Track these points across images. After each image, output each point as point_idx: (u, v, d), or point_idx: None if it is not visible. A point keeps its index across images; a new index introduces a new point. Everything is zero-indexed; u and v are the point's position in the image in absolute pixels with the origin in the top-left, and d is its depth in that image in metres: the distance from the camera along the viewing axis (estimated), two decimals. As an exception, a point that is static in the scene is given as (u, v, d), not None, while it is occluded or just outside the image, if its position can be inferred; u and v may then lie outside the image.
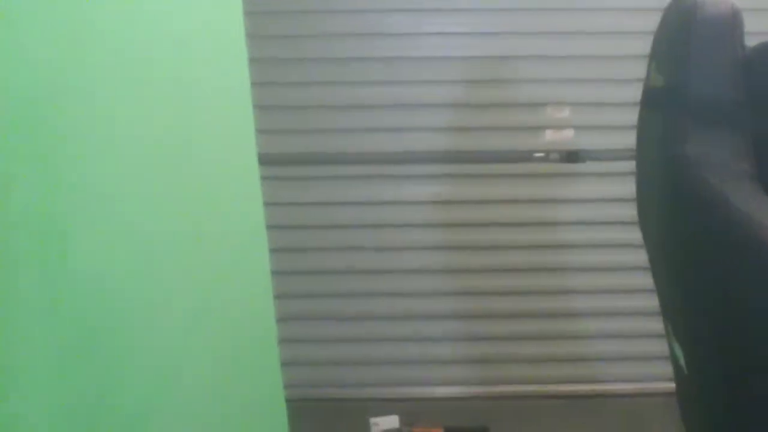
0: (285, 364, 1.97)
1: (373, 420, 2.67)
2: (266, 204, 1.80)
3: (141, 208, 1.08)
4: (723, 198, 0.98)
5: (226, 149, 1.52)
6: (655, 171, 1.23)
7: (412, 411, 2.75)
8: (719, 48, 1.08)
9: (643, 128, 1.42)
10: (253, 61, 1.70)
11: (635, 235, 1.57)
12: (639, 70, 1.58)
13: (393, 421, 2.68)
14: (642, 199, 1.49)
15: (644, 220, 1.46)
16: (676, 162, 1.06)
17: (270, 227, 1.82)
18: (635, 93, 1.56)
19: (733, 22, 1.08)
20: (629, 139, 1.61)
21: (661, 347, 1.40)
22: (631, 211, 1.64)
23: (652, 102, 1.29)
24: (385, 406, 2.76)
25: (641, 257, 1.51)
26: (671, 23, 1.18)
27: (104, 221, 0.96)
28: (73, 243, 0.87)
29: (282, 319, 2.02)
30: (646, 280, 1.46)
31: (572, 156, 2.72)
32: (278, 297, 1.89)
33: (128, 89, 1.04)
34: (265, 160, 1.89)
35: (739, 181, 1.02)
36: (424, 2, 2.65)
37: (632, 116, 1.59)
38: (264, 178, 1.81)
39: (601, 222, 2.77)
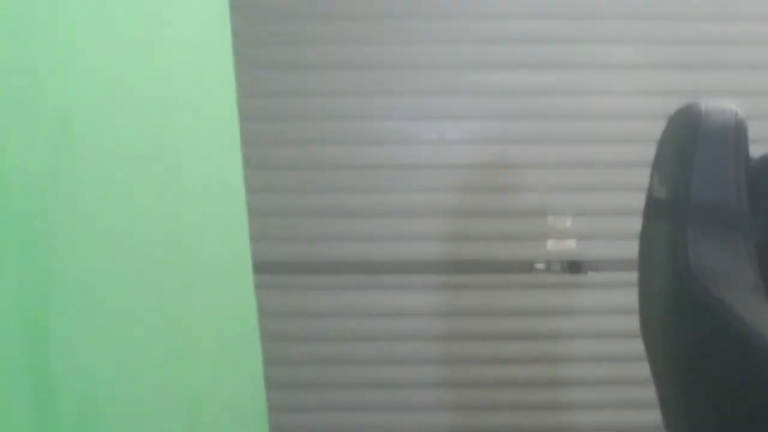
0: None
1: None
2: (261, 313, 1.77)
3: (129, 318, 1.05)
4: (734, 313, 0.96)
5: (222, 256, 1.49)
6: (659, 281, 1.22)
7: None
8: (723, 158, 1.07)
9: (646, 238, 1.41)
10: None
11: (638, 347, 1.54)
12: (641, 178, 1.57)
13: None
14: (645, 309, 1.47)
15: (647, 329, 1.44)
16: (681, 273, 1.05)
17: (264, 337, 1.78)
18: (638, 202, 1.55)
19: (737, 132, 1.08)
20: (632, 250, 1.59)
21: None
22: (634, 323, 1.61)
23: (656, 212, 1.29)
24: None
25: (645, 371, 1.48)
26: (675, 133, 1.18)
27: (89, 335, 0.92)
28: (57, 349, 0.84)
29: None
30: (650, 393, 1.43)
31: (574, 267, 2.69)
32: (272, 409, 1.84)
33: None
34: (261, 268, 1.86)
35: (747, 294, 1.00)
36: (424, 110, 2.67)
37: (635, 225, 1.57)
38: (259, 287, 1.78)
39: (604, 335, 2.72)
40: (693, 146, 1.07)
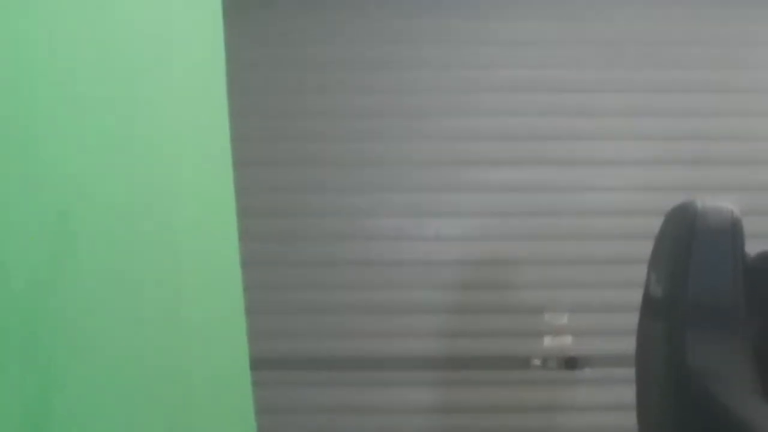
0: None
1: None
2: (258, 409, 1.74)
3: (129, 422, 1.04)
4: (732, 413, 0.96)
5: (217, 353, 1.48)
6: (657, 378, 1.21)
7: None
8: (719, 258, 1.09)
9: (643, 336, 1.42)
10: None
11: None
12: (637, 274, 1.59)
13: None
14: (643, 405, 1.47)
15: (644, 426, 1.43)
16: (682, 372, 1.05)
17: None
18: (634, 298, 1.56)
19: (733, 231, 1.10)
20: (628, 345, 1.60)
21: None
22: (630, 419, 1.60)
23: (653, 311, 1.30)
24: None
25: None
26: (672, 232, 1.20)
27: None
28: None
29: None
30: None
31: (570, 363, 2.68)
32: None
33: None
34: (259, 364, 1.85)
35: (745, 394, 1.00)
36: (422, 206, 2.71)
37: (631, 322, 1.58)
38: (256, 383, 1.76)
39: (600, 431, 2.68)
40: (690, 246, 1.09)
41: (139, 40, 1.10)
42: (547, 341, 2.71)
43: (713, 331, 1.05)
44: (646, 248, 1.44)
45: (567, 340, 2.70)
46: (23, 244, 0.78)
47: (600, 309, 2.68)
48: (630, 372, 1.57)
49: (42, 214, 0.83)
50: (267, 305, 2.62)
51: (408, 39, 2.75)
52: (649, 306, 1.29)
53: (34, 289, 0.80)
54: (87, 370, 0.92)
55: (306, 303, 2.70)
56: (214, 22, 1.43)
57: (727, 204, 1.16)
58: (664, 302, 1.17)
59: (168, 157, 1.21)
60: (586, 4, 2.75)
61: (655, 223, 1.42)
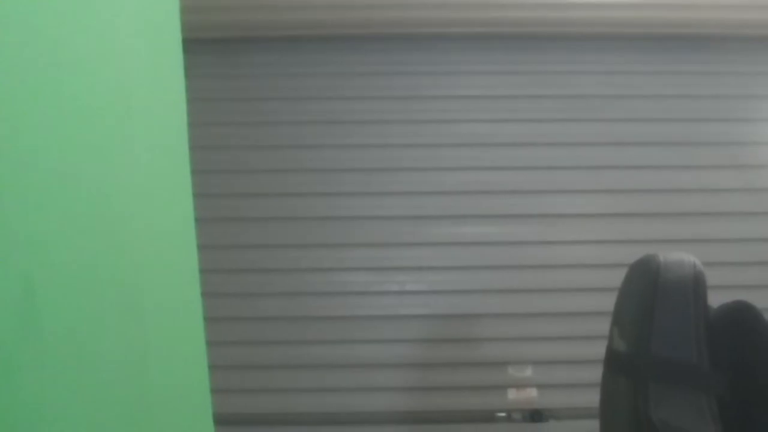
0: None
1: None
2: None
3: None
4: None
5: (182, 412, 1.46)
6: (622, 432, 1.21)
7: None
8: (682, 312, 1.09)
9: (607, 390, 1.42)
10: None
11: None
12: (601, 327, 1.59)
13: None
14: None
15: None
16: (643, 427, 1.05)
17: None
18: (598, 350, 1.57)
19: (695, 284, 1.10)
20: (593, 397, 1.60)
21: None
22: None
23: (616, 366, 1.30)
24: None
25: None
26: (634, 286, 1.20)
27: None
28: None
29: None
30: None
31: (536, 416, 2.67)
32: None
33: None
34: (220, 420, 1.82)
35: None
36: (384, 261, 2.71)
37: (595, 374, 1.58)
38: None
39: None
40: (652, 300, 1.09)
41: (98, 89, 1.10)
42: (512, 394, 2.70)
43: (677, 385, 1.06)
44: (609, 300, 1.45)
45: (532, 393, 2.70)
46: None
47: (564, 361, 2.68)
48: (595, 424, 1.58)
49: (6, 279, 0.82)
50: (228, 361, 2.60)
51: (367, 96, 2.79)
52: (612, 360, 1.30)
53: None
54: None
55: (266, 359, 2.67)
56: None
57: (689, 256, 1.17)
58: (627, 357, 1.17)
59: (124, 206, 1.20)
60: (544, 60, 2.81)
61: (619, 276, 1.44)
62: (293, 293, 2.69)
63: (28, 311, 0.85)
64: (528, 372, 2.70)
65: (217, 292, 2.62)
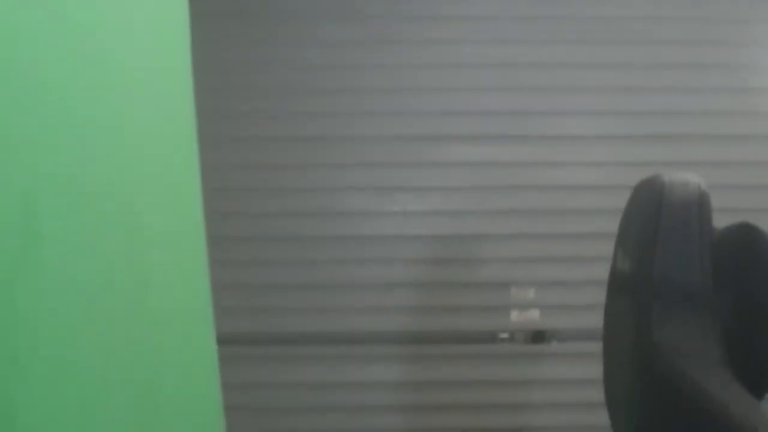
0: None
1: None
2: (224, 385, 1.73)
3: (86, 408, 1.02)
4: (699, 389, 0.96)
5: (184, 338, 1.47)
6: (624, 355, 1.21)
7: None
8: (686, 232, 1.08)
9: (611, 311, 1.41)
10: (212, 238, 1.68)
11: (603, 418, 1.53)
12: (605, 249, 1.59)
13: None
14: (610, 381, 1.47)
15: (612, 401, 1.43)
16: (648, 349, 1.05)
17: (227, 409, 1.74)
18: (602, 272, 1.56)
19: (700, 205, 1.09)
20: (596, 319, 1.60)
21: None
22: (599, 394, 1.61)
23: (620, 287, 1.29)
24: None
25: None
26: (638, 207, 1.19)
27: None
28: None
29: None
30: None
31: (538, 337, 2.69)
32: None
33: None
34: (224, 339, 1.83)
35: (712, 370, 1.00)
36: (385, 181, 2.70)
37: (599, 296, 1.58)
38: (222, 359, 1.75)
39: (569, 405, 2.70)
40: (656, 220, 1.08)
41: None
42: (515, 316, 2.72)
43: (680, 306, 1.05)
44: (613, 223, 1.44)
45: (534, 315, 2.71)
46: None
47: (568, 284, 2.69)
48: (599, 345, 1.58)
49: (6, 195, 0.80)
50: (232, 282, 2.61)
51: (373, 16, 2.74)
52: (617, 282, 1.29)
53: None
54: (51, 367, 0.90)
55: (271, 280, 2.68)
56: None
57: (694, 177, 1.15)
58: (630, 278, 1.16)
59: (132, 139, 1.19)
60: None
61: (623, 198, 1.43)
62: (294, 214, 2.68)
63: (28, 233, 0.83)
64: (531, 293, 2.71)
65: (218, 213, 2.61)
